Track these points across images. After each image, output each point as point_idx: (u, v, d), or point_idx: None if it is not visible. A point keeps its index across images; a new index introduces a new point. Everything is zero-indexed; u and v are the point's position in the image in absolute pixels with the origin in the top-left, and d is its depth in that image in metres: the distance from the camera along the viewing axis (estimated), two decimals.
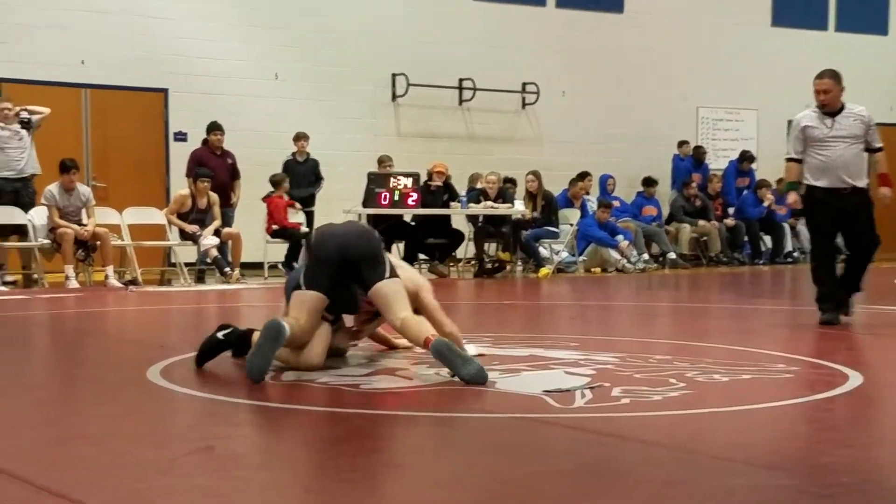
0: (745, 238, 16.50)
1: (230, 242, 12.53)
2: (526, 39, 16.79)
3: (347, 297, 5.44)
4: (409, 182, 12.94)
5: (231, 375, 5.30)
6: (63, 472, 3.43)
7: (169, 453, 3.70)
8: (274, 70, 15.07)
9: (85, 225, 11.66)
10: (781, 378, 5.29)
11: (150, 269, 12.74)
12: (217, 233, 12.37)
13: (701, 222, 16.03)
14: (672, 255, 15.27)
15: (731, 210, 16.76)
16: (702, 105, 18.53)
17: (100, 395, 4.96)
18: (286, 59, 15.15)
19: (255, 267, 13.27)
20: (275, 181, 13.17)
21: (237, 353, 5.52)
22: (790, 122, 7.92)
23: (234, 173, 13.25)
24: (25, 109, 12.01)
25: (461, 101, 16.46)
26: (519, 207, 13.94)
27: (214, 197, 12.48)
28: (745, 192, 17.07)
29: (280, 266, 13.19)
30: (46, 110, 12.18)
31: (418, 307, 5.49)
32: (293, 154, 14.00)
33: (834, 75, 7.57)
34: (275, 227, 13.03)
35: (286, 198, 13.21)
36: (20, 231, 11.83)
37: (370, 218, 12.33)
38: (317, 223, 12.23)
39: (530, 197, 14.22)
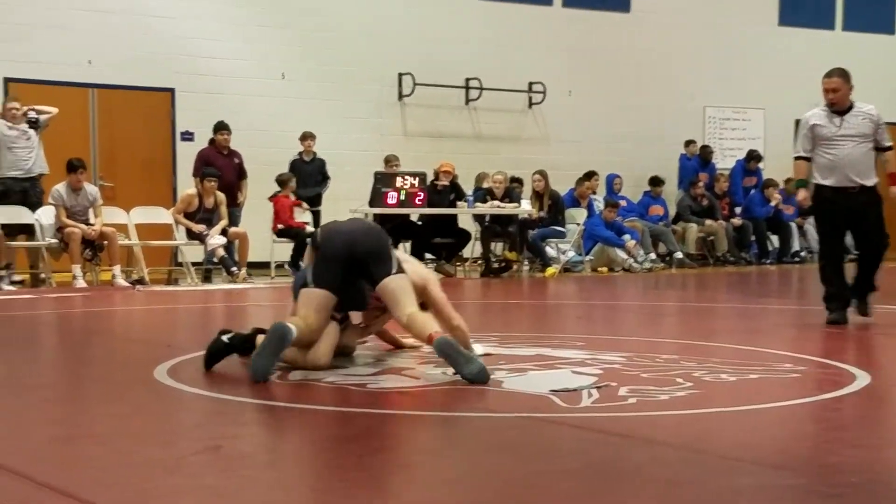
0: (753, 237, 16.47)
1: (237, 242, 12.55)
2: (532, 39, 16.78)
3: (355, 293, 5.44)
4: (415, 181, 12.94)
5: (238, 375, 5.30)
6: (70, 471, 3.44)
7: (176, 452, 3.70)
8: (280, 70, 15.08)
9: (92, 224, 11.68)
10: (789, 378, 5.28)
11: (157, 269, 12.75)
12: (224, 232, 12.38)
13: (708, 222, 16.00)
14: (679, 255, 15.25)
15: (738, 209, 16.73)
16: (709, 104, 18.50)
17: (107, 395, 4.97)
18: (293, 58, 15.16)
19: (262, 266, 13.28)
20: (281, 181, 13.18)
21: (244, 353, 5.52)
22: (797, 122, 7.92)
23: (240, 173, 13.26)
24: (33, 109, 12.04)
25: (468, 101, 16.45)
26: (525, 207, 13.93)
27: (221, 196, 12.49)
28: (753, 191, 17.04)
29: (287, 266, 13.20)
30: (54, 110, 12.20)
31: (426, 300, 5.49)
32: (300, 153, 14.00)
33: (843, 74, 7.55)
34: (280, 226, 13.04)
35: (293, 197, 13.22)
36: (28, 230, 11.85)
37: (377, 217, 12.33)
38: (323, 222, 12.24)
39: (537, 196, 14.20)
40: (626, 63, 17.41)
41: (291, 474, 3.51)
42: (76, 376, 5.72)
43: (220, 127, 13.17)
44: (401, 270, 5.34)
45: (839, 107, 7.55)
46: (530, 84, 16.81)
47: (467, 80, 16.31)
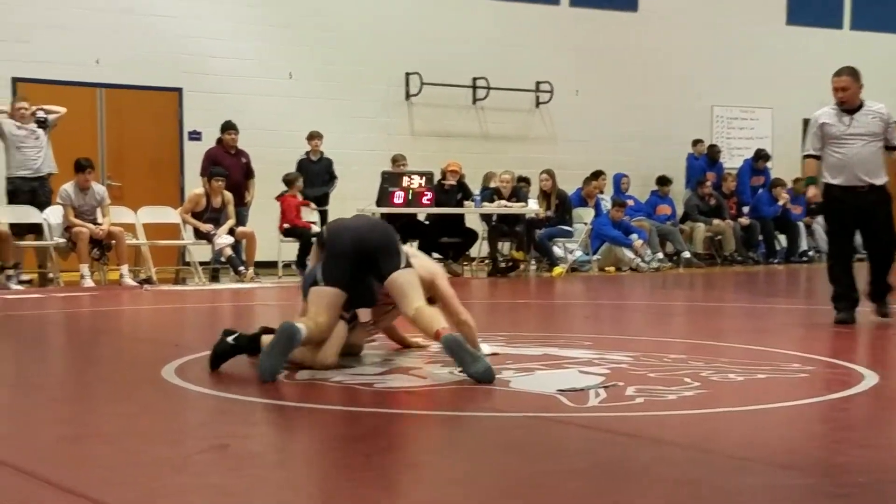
0: (760, 237, 16.45)
1: (244, 241, 12.56)
2: (540, 38, 16.78)
3: (364, 289, 5.43)
4: (422, 181, 12.94)
5: (245, 374, 5.31)
6: (78, 470, 3.44)
7: (183, 451, 3.71)
8: (288, 69, 15.09)
9: (100, 224, 11.70)
10: (797, 377, 5.27)
11: (164, 268, 12.77)
12: (231, 232, 12.40)
13: (715, 221, 15.98)
14: (686, 254, 15.23)
15: (745, 209, 16.71)
16: (716, 104, 18.48)
17: (115, 394, 4.97)
18: (300, 58, 15.17)
19: (270, 266, 13.30)
20: (288, 180, 13.19)
21: (252, 354, 5.52)
22: (805, 121, 7.92)
23: (248, 172, 13.28)
24: (42, 109, 12.06)
25: (475, 100, 16.45)
26: (533, 206, 13.93)
27: (229, 196, 12.50)
28: (761, 190, 17.02)
29: (294, 266, 13.21)
30: (62, 110, 12.23)
31: (433, 295, 5.49)
32: (307, 153, 14.01)
33: (852, 72, 7.54)
34: (286, 225, 13.06)
35: (300, 197, 13.23)
36: (36, 230, 11.88)
37: (384, 217, 12.31)
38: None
39: (544, 196, 14.19)
40: (633, 62, 17.39)
41: (299, 473, 3.52)
42: (84, 375, 5.73)
43: (228, 126, 13.19)
44: (408, 265, 5.34)
45: (849, 105, 7.54)
46: (537, 83, 16.80)
47: (474, 79, 16.31)
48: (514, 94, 16.52)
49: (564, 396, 4.60)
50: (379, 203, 12.85)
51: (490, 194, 13.88)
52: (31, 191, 11.91)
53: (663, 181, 16.38)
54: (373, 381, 5.05)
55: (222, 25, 14.74)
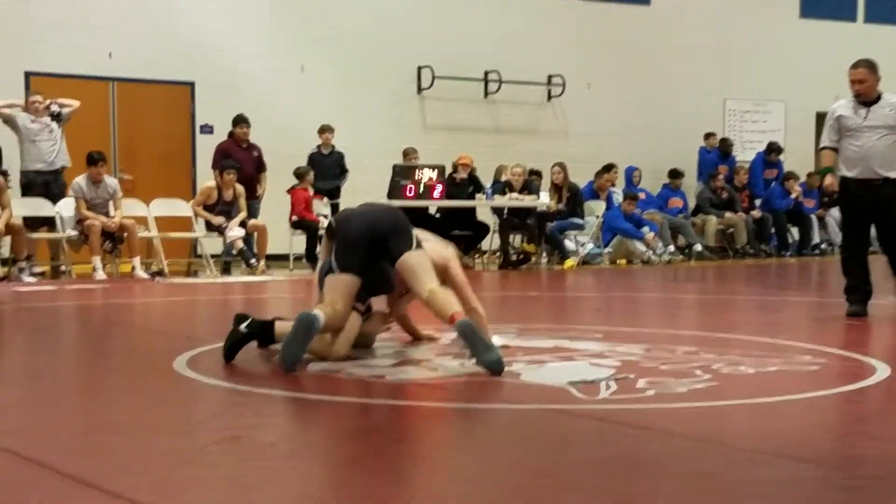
0: (773, 230, 16.41)
1: (256, 234, 12.58)
2: (551, 32, 16.75)
3: (378, 275, 5.42)
4: (434, 174, 12.94)
5: (257, 366, 5.32)
6: (91, 460, 3.45)
7: (196, 443, 3.71)
8: (300, 63, 15.10)
9: (112, 217, 11.73)
10: (808, 370, 5.26)
11: (176, 261, 12.80)
12: (243, 224, 12.42)
13: (727, 214, 15.95)
14: (698, 247, 15.20)
15: (757, 202, 16.67)
16: (729, 97, 18.43)
17: (127, 386, 4.99)
18: (312, 51, 15.18)
19: (281, 259, 13.32)
20: (299, 174, 13.21)
21: (262, 343, 5.53)
22: (818, 114, 7.90)
23: (259, 165, 13.29)
24: (55, 102, 12.10)
25: (486, 94, 16.44)
26: (544, 199, 13.91)
27: (240, 189, 12.52)
28: (773, 183, 16.97)
29: (304, 259, 13.22)
30: (76, 103, 12.26)
31: (446, 281, 5.49)
32: (318, 146, 14.02)
33: (869, 65, 7.51)
34: (295, 218, 13.09)
35: (311, 190, 13.24)
36: (49, 223, 11.92)
37: None
38: None
39: (556, 189, 14.18)
40: (645, 56, 17.35)
41: (311, 465, 3.52)
42: (96, 367, 5.75)
43: (240, 120, 13.21)
44: (419, 247, 5.35)
45: (865, 98, 7.51)
46: (549, 77, 16.78)
47: (486, 73, 16.30)
48: (525, 87, 16.50)
49: (575, 388, 4.59)
50: (390, 196, 12.85)
51: (501, 187, 13.88)
52: (44, 184, 11.95)
53: (675, 174, 16.35)
54: (385, 373, 5.05)
55: (235, 20, 14.76)
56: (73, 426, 4.08)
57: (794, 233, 16.76)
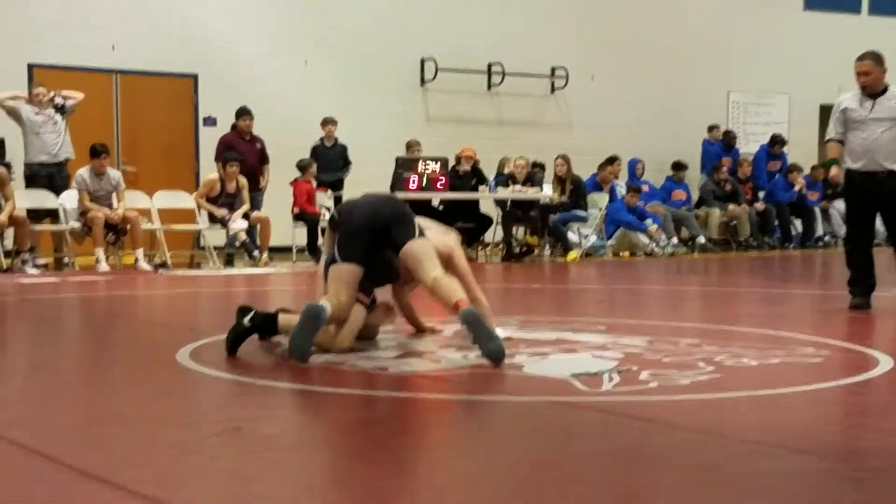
0: (776, 222, 16.39)
1: (259, 226, 12.58)
2: (555, 24, 16.73)
3: (382, 264, 5.42)
4: (437, 167, 12.94)
5: (259, 358, 5.33)
6: (93, 452, 3.46)
7: (198, 435, 3.72)
8: (303, 55, 15.09)
9: (115, 209, 11.74)
10: (811, 362, 5.25)
11: (179, 253, 12.80)
12: (246, 217, 12.42)
13: (731, 206, 15.92)
14: (701, 240, 15.19)
15: (761, 194, 16.65)
16: (732, 89, 18.40)
17: (130, 378, 4.99)
18: (315, 44, 15.16)
19: (284, 251, 13.32)
20: (301, 166, 13.20)
21: (264, 334, 5.53)
22: (822, 107, 7.89)
23: (262, 158, 13.29)
24: (60, 94, 12.09)
25: (490, 86, 16.42)
26: (547, 192, 13.90)
27: (243, 181, 12.52)
28: (777, 176, 16.95)
29: (307, 252, 13.23)
30: (80, 95, 12.25)
31: (449, 270, 5.49)
32: (321, 139, 14.01)
33: (875, 57, 7.50)
34: (296, 210, 13.09)
35: (314, 183, 13.24)
36: (53, 215, 11.93)
37: None
38: None
39: (559, 181, 14.17)
40: (649, 48, 17.33)
41: (313, 457, 3.52)
42: (99, 359, 5.76)
43: (243, 112, 13.20)
44: (422, 235, 5.35)
45: (871, 90, 7.50)
46: (553, 69, 16.76)
47: (490, 65, 16.28)
48: (529, 79, 16.49)
49: (578, 380, 4.59)
50: (393, 188, 12.84)
51: (504, 180, 13.87)
52: (48, 176, 11.96)
53: (678, 166, 16.33)
54: (387, 364, 5.05)
55: (238, 12, 14.74)
56: (76, 418, 4.09)
57: (798, 225, 16.74)
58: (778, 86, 18.50)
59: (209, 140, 13.96)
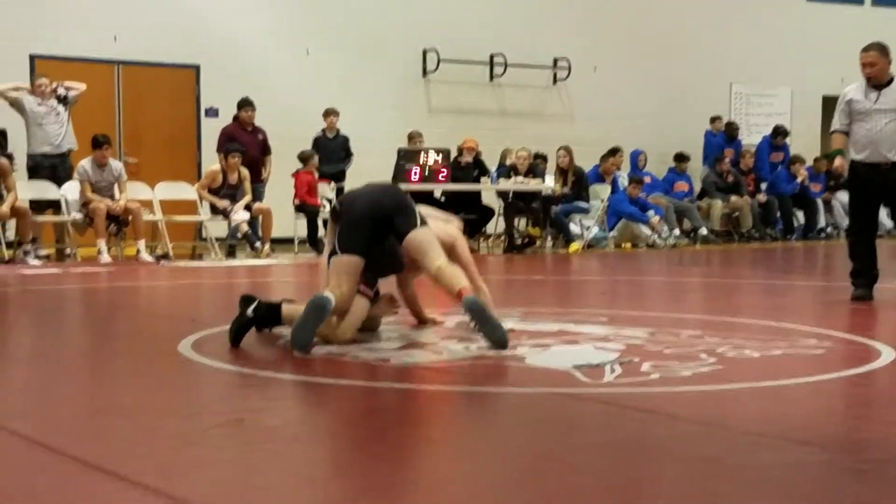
0: (778, 214, 16.38)
1: (261, 217, 12.58)
2: (557, 15, 16.70)
3: (384, 255, 5.41)
4: (439, 158, 12.93)
5: (262, 349, 5.33)
6: (95, 443, 3.46)
7: (200, 426, 3.72)
8: (305, 46, 15.07)
9: (117, 200, 11.74)
10: (813, 353, 5.25)
11: (181, 244, 12.80)
12: (248, 208, 12.42)
13: (733, 198, 15.91)
14: (703, 231, 15.19)
15: (763, 185, 16.64)
16: (735, 80, 18.37)
17: (132, 369, 4.99)
18: (317, 35, 15.14)
19: (286, 242, 13.32)
20: (303, 157, 13.20)
21: (264, 325, 5.52)
22: (825, 98, 7.88)
23: (264, 149, 13.28)
24: (62, 85, 12.09)
25: (492, 77, 16.40)
26: (549, 183, 13.89)
27: (245, 172, 12.52)
28: (779, 167, 16.93)
29: (308, 244, 13.23)
30: (83, 86, 12.25)
31: (452, 260, 5.49)
32: (323, 130, 14.00)
33: (880, 48, 7.49)
34: (297, 201, 13.09)
35: (315, 174, 13.24)
36: (55, 206, 11.93)
37: None
38: None
39: (561, 172, 14.16)
40: (651, 39, 17.30)
41: (315, 448, 3.52)
42: (101, 350, 5.76)
43: (245, 103, 13.18)
44: (425, 224, 5.35)
45: (876, 81, 7.49)
46: (555, 60, 16.74)
47: (492, 56, 16.26)
48: (531, 70, 16.47)
49: (580, 372, 4.59)
50: (395, 180, 12.83)
51: (506, 171, 13.86)
52: (51, 167, 11.96)
53: (681, 158, 16.32)
54: (390, 356, 5.05)
55: (240, 3, 14.72)
56: (77, 409, 4.09)
57: (800, 216, 16.73)
58: (780, 77, 18.47)
59: (211, 131, 13.95)
